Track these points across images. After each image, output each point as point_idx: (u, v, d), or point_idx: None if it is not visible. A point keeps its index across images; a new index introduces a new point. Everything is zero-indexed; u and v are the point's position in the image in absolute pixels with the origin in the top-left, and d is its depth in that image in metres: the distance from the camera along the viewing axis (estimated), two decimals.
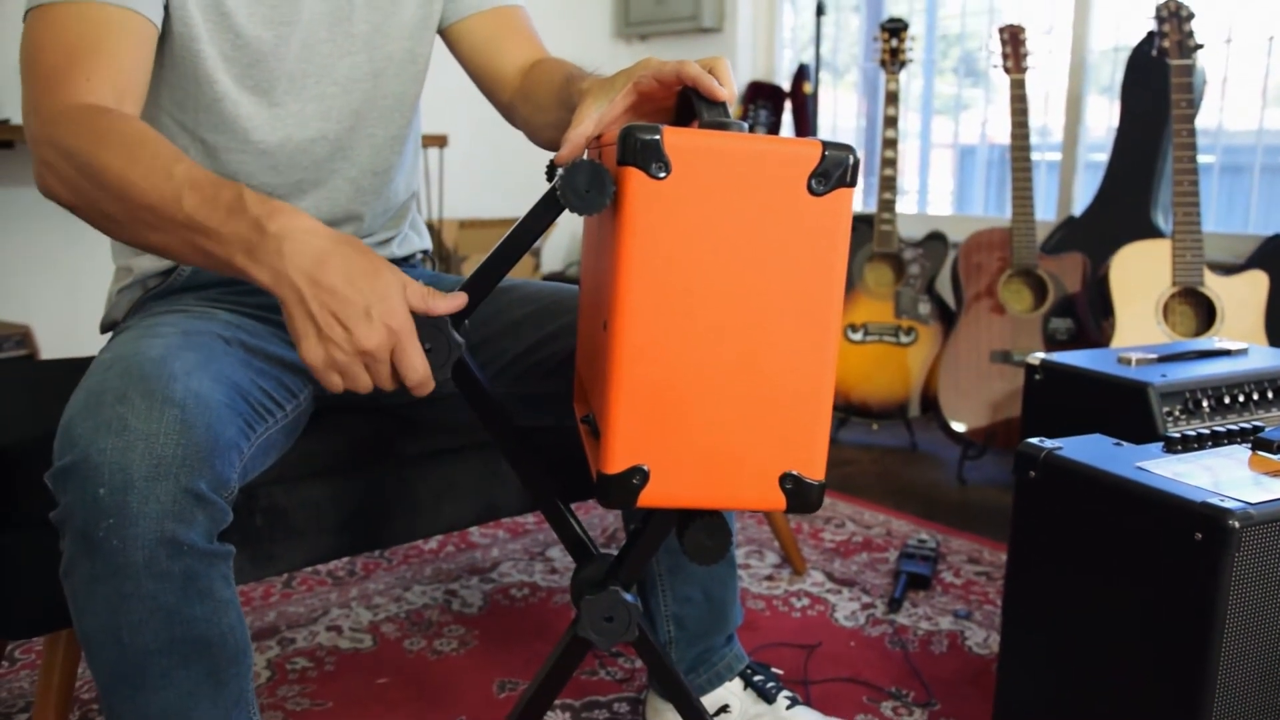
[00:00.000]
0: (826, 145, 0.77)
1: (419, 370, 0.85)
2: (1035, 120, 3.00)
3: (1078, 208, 2.89)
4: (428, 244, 1.40)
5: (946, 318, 2.69)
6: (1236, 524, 0.96)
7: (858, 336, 2.71)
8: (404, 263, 1.35)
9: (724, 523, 0.87)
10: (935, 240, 2.73)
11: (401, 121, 1.24)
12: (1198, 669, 0.99)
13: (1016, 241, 2.46)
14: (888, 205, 2.71)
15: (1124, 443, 1.19)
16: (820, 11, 3.08)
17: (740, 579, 1.89)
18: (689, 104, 0.87)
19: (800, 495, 0.83)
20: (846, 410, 2.76)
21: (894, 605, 1.77)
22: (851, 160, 0.77)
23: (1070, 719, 1.15)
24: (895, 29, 2.76)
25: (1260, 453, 1.15)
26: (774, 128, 3.51)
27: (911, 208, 3.53)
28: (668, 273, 0.77)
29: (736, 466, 0.82)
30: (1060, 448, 1.17)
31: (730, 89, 0.86)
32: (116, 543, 0.80)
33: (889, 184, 2.71)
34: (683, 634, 1.31)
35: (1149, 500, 1.03)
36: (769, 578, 1.90)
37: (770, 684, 1.34)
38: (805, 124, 3.36)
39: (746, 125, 0.84)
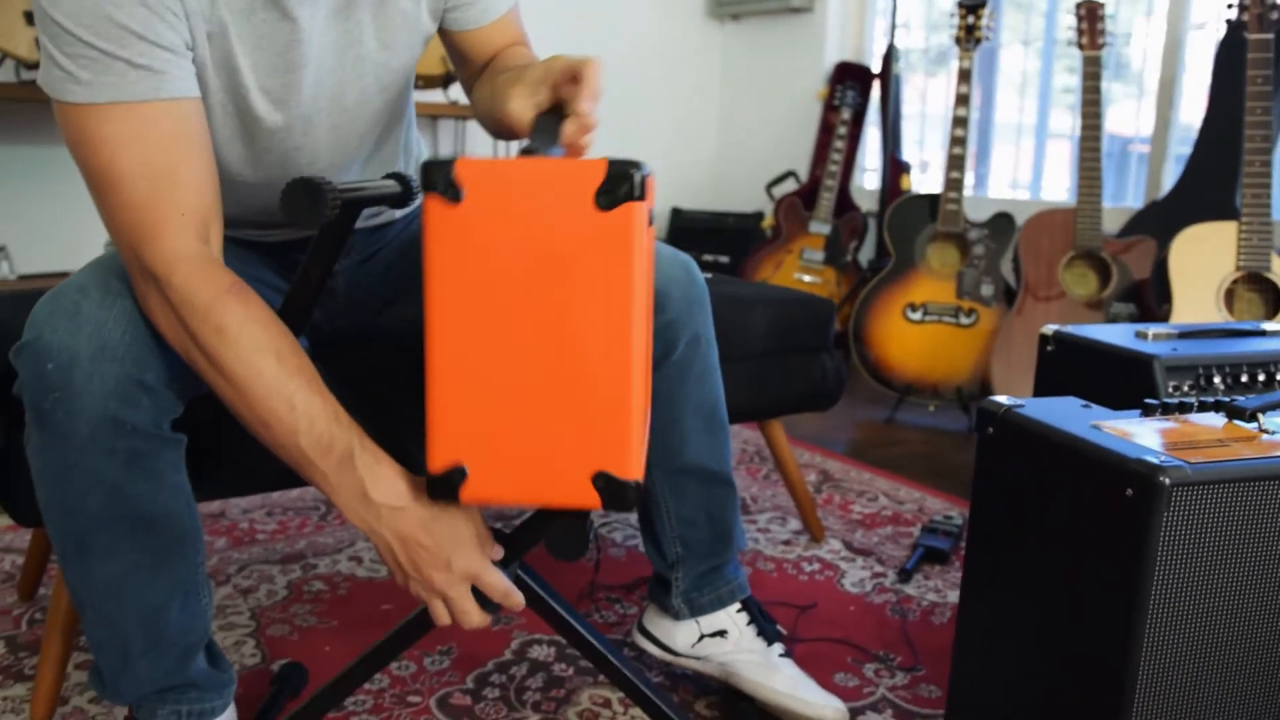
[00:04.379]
0: (612, 163, 0.82)
1: (499, 588, 1.00)
2: (1129, 106, 2.89)
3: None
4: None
5: (1011, 300, 2.62)
6: (1168, 481, 0.94)
7: (916, 316, 2.67)
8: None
9: (580, 523, 0.95)
10: (1002, 220, 2.67)
11: (399, 121, 1.22)
12: (1124, 631, 0.97)
13: (1080, 223, 2.38)
14: (955, 184, 2.66)
15: (1094, 405, 1.17)
16: None
17: (757, 541, 1.91)
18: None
19: (614, 493, 0.88)
20: (902, 390, 2.73)
21: (904, 576, 1.76)
22: (638, 176, 0.82)
23: (1017, 685, 1.14)
24: (973, 5, 2.70)
25: (1234, 420, 1.11)
26: (860, 109, 3.47)
27: (1024, 195, 3.44)
28: (471, 287, 0.84)
29: (549, 466, 0.88)
30: (1021, 405, 1.15)
31: (591, 87, 0.92)
32: (62, 415, 0.89)
33: (957, 163, 2.66)
34: (689, 554, 1.34)
35: (1086, 456, 1.02)
36: (786, 542, 1.91)
37: (770, 628, 1.37)
38: (889, 106, 3.31)
39: (561, 151, 0.91)
